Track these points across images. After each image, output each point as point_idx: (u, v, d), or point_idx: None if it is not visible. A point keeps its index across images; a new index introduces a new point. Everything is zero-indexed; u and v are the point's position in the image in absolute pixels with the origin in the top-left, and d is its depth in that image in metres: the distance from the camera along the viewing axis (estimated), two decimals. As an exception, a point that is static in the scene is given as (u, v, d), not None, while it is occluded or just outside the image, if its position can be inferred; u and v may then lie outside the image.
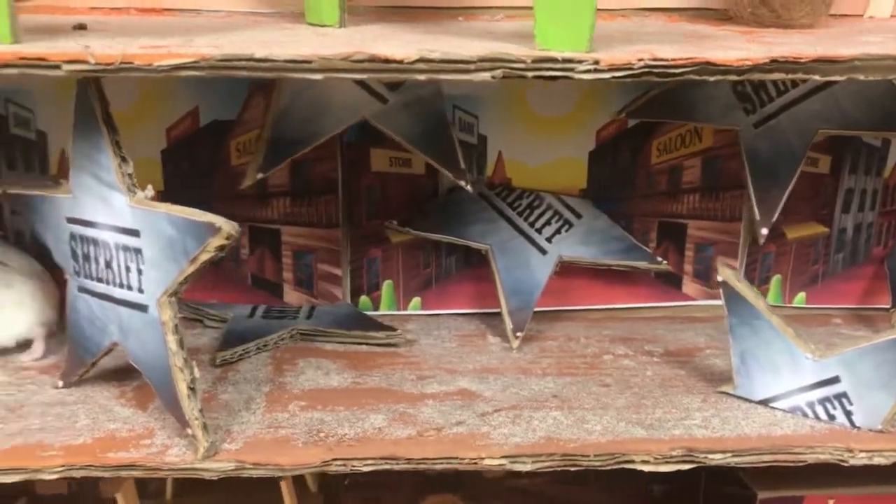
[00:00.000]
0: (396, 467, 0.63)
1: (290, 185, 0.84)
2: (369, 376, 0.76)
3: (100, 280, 0.65)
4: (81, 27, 0.65)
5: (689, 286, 0.93)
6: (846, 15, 0.87)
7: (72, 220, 0.66)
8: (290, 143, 0.75)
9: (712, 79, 0.58)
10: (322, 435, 0.66)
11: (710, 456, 0.66)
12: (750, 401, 0.73)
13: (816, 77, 0.58)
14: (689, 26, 0.77)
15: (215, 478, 0.62)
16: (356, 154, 0.85)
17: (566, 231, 0.87)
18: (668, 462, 0.66)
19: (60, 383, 0.71)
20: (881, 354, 0.67)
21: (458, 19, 0.79)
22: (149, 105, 0.82)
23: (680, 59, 0.57)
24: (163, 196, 0.81)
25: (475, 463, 0.64)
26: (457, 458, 0.64)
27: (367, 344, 0.82)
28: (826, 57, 0.58)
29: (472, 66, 0.55)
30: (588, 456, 0.65)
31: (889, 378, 0.67)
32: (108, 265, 0.64)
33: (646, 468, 0.66)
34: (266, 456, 0.63)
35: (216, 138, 0.83)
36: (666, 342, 0.85)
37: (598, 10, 0.82)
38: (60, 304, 0.79)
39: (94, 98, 0.61)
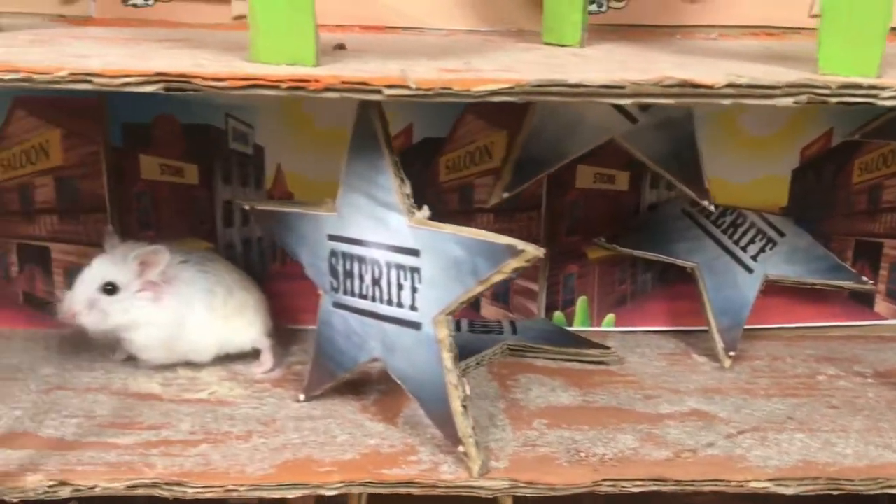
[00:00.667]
0: (664, 489, 0.63)
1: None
2: (595, 395, 0.76)
3: (363, 297, 0.66)
4: (341, 47, 0.66)
5: (881, 305, 0.93)
6: None
7: (334, 238, 0.66)
8: (537, 162, 0.75)
9: None
10: (582, 454, 0.66)
11: (978, 484, 0.65)
12: None
13: None
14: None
15: (490, 496, 0.62)
16: (559, 172, 0.85)
17: (770, 249, 0.87)
18: (930, 488, 0.65)
19: (302, 397, 0.72)
20: None
21: (675, 37, 0.80)
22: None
23: None
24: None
25: (741, 486, 0.64)
26: (723, 480, 0.64)
27: (578, 361, 0.82)
28: None
29: (778, 92, 0.55)
30: (852, 480, 0.64)
31: None
32: (376, 282, 0.64)
33: (907, 493, 0.65)
34: (537, 475, 0.63)
35: (427, 155, 0.84)
36: (871, 363, 0.85)
37: (810, 28, 0.84)
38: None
39: (377, 120, 0.62)
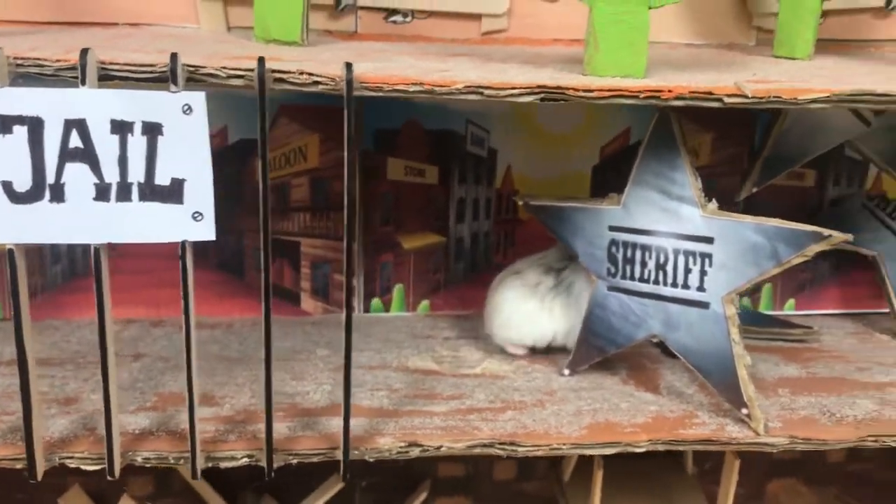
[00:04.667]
0: (917, 443, 0.73)
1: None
2: (815, 368, 0.86)
3: (644, 280, 0.75)
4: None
5: None
6: None
7: (616, 229, 0.76)
8: (783, 161, 0.85)
9: None
10: (836, 417, 0.75)
11: None
12: None
13: None
14: None
15: (775, 451, 0.72)
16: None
17: (941, 240, 0.97)
18: None
19: (567, 371, 0.81)
20: None
21: (869, 50, 0.90)
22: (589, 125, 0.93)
23: None
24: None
25: None
26: (971, 436, 0.74)
27: (783, 340, 0.92)
28: None
29: None
30: None
31: None
32: (661, 267, 0.74)
33: None
34: (810, 432, 0.72)
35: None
36: None
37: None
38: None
39: (676, 125, 0.71)
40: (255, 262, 0.92)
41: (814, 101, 0.63)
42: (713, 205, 0.71)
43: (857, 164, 0.96)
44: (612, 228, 0.76)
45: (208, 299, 0.93)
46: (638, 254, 0.75)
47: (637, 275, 0.75)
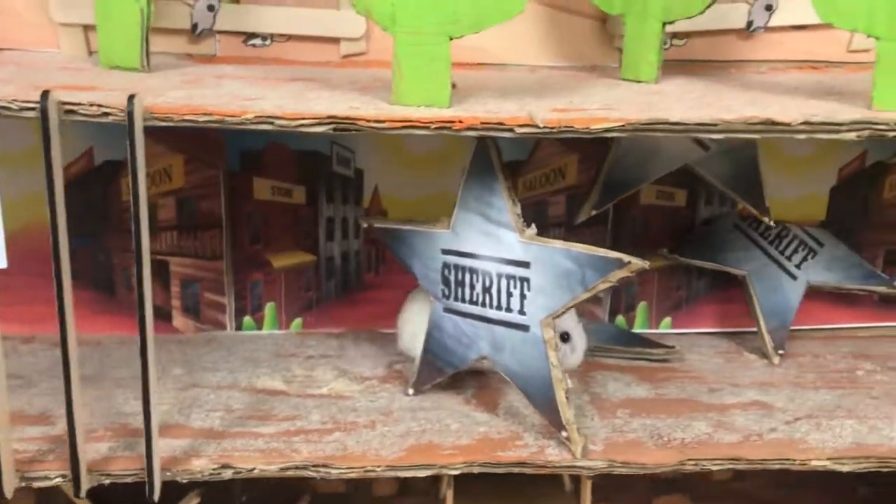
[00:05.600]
0: (739, 467, 0.73)
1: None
2: (665, 388, 0.86)
3: (474, 303, 0.76)
4: (452, 86, 0.76)
5: (910, 308, 1.04)
6: None
7: (448, 252, 0.76)
8: (622, 184, 0.85)
9: None
10: (664, 440, 0.76)
11: None
12: None
13: None
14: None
15: (590, 475, 0.72)
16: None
17: (812, 258, 0.97)
18: (968, 464, 0.76)
19: (411, 391, 0.82)
20: None
21: (730, 71, 0.90)
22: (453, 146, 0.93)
23: None
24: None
25: (804, 464, 0.74)
26: (789, 459, 0.74)
27: (645, 359, 0.92)
28: None
29: (844, 128, 0.66)
30: (899, 459, 0.75)
31: None
32: (487, 290, 0.74)
33: (950, 469, 0.75)
34: (630, 456, 0.73)
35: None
36: (902, 359, 0.96)
37: (848, 63, 0.94)
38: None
39: (493, 151, 0.72)
40: (125, 280, 0.94)
41: (607, 130, 0.64)
42: (532, 230, 0.72)
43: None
44: (443, 251, 0.77)
45: (80, 317, 0.94)
46: (467, 276, 0.76)
47: (467, 297, 0.76)
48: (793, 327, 1.00)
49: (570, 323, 0.83)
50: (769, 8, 0.89)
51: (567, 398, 0.72)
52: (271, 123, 0.63)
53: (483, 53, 0.90)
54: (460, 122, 0.63)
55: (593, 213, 0.87)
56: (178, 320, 0.96)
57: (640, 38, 0.81)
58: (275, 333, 0.97)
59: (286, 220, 0.94)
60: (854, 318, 1.03)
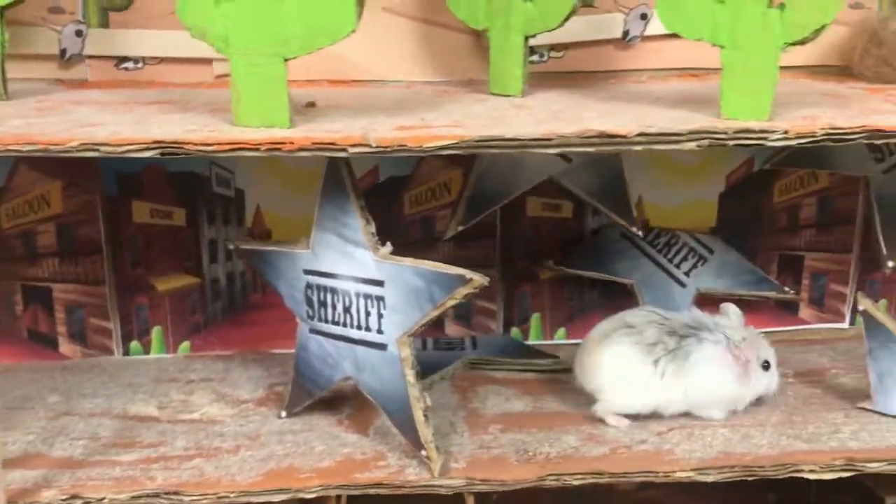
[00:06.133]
0: (601, 480, 0.73)
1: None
2: (545, 401, 0.86)
3: (336, 323, 0.75)
4: (311, 105, 0.76)
5: (805, 312, 1.03)
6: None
7: (309, 272, 0.76)
8: (486, 199, 0.85)
9: (879, 142, 0.68)
10: (529, 454, 0.75)
11: (869, 465, 0.75)
12: (887, 415, 0.82)
13: (963, 139, 0.69)
14: (819, 85, 0.87)
15: (449, 493, 0.72)
16: (512, 202, 0.95)
17: (701, 266, 0.97)
18: (832, 471, 0.75)
19: (284, 414, 0.81)
20: None
21: (609, 82, 0.90)
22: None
23: (854, 127, 0.67)
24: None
25: (668, 476, 0.73)
26: (653, 471, 0.73)
27: (532, 371, 0.92)
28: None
29: (683, 138, 0.66)
30: (763, 467, 0.74)
31: None
32: (347, 310, 0.74)
33: (812, 476, 0.75)
34: (490, 473, 0.72)
35: (392, 192, 0.94)
36: (794, 364, 0.95)
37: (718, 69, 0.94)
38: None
39: (345, 171, 0.71)
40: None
41: (442, 147, 0.64)
42: (386, 248, 0.72)
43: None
44: (305, 272, 0.76)
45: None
46: (328, 296, 0.75)
47: (329, 317, 0.76)
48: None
49: (765, 348, 0.83)
50: (644, 17, 0.89)
51: (426, 416, 0.72)
52: (97, 150, 0.62)
53: (361, 70, 0.89)
54: (291, 143, 0.63)
55: (460, 228, 0.86)
56: (66, 347, 0.95)
57: (504, 53, 0.80)
58: (162, 357, 0.96)
59: (168, 242, 0.93)
60: (753, 323, 1.03)
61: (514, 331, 1.00)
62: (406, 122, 0.69)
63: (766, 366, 0.83)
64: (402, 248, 0.93)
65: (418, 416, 0.71)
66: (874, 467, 0.75)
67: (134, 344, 0.95)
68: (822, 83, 0.88)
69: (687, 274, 0.96)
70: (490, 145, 0.64)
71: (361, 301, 0.73)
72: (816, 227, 1.00)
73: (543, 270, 0.97)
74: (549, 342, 1.00)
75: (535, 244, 0.97)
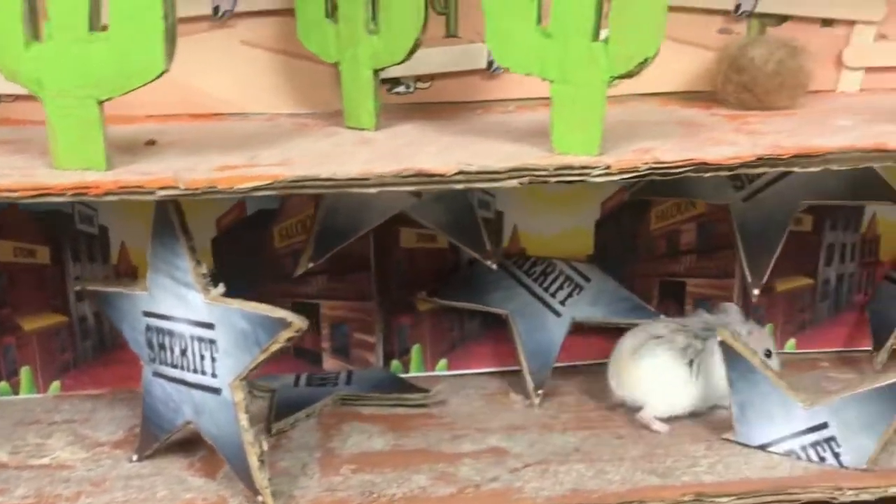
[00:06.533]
0: (443, 522, 0.72)
1: (328, 263, 0.93)
2: (408, 438, 0.85)
3: (174, 366, 0.74)
4: (152, 143, 0.75)
5: (690, 338, 1.03)
6: (819, 91, 0.98)
7: (148, 314, 0.74)
8: (336, 235, 0.84)
9: (707, 175, 0.68)
10: (374, 496, 0.74)
11: (717, 499, 0.74)
12: (750, 446, 0.82)
13: (796, 169, 0.68)
14: (682, 112, 0.87)
15: (285, 538, 0.70)
16: (386, 233, 0.94)
17: (577, 294, 0.96)
18: (680, 507, 0.74)
19: (135, 457, 0.80)
20: (864, 402, 0.76)
21: (476, 112, 0.89)
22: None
23: (679, 161, 0.66)
24: (214, 280, 0.92)
25: (512, 515, 0.72)
26: (496, 511, 0.72)
27: (403, 405, 0.91)
28: (804, 152, 0.68)
29: (503, 176, 0.65)
30: (609, 504, 0.73)
31: (871, 422, 0.76)
32: (184, 353, 0.72)
33: (660, 513, 0.74)
34: (330, 517, 0.71)
35: (261, 226, 0.92)
36: (672, 392, 0.94)
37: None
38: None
39: (174, 213, 0.70)
40: None
41: (254, 189, 0.63)
42: (217, 290, 0.70)
43: (489, 222, 0.95)
44: (144, 313, 0.75)
45: None
46: (166, 339, 0.74)
47: (168, 360, 0.74)
48: (570, 363, 1.00)
49: (769, 341, 0.88)
50: (508, 47, 0.89)
51: (261, 462, 0.70)
52: None
53: (223, 104, 0.88)
54: (97, 187, 0.62)
55: (310, 265, 0.85)
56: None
57: (355, 86, 0.80)
58: (30, 398, 0.94)
59: (33, 281, 0.91)
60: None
61: (395, 363, 0.99)
62: (235, 160, 0.68)
63: (767, 354, 0.87)
64: (274, 283, 0.93)
65: (253, 461, 0.70)
66: (723, 502, 0.74)
67: (2, 385, 0.93)
68: (687, 109, 0.88)
69: (562, 303, 0.96)
70: (305, 186, 0.63)
71: (196, 344, 0.72)
72: (696, 252, 0.99)
73: (421, 301, 0.96)
74: (431, 373, 0.99)
75: (412, 275, 0.96)
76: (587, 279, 0.97)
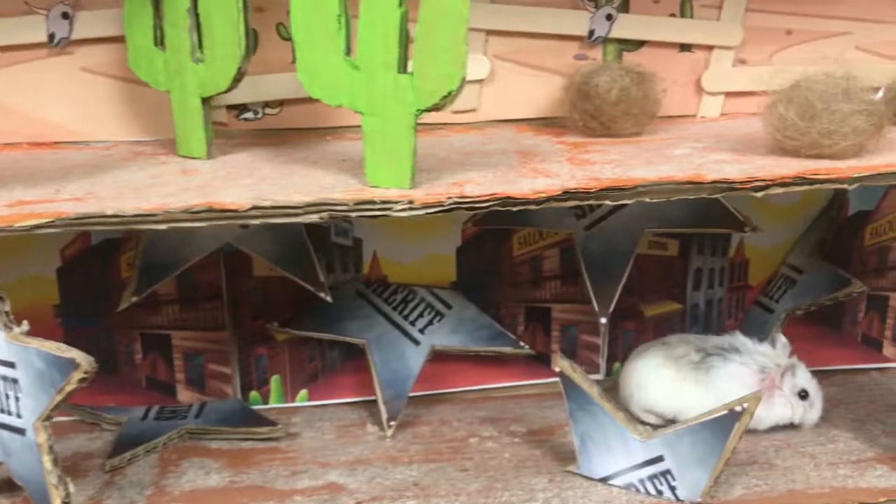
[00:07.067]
0: (257, 565, 0.70)
1: (178, 292, 0.91)
2: (246, 474, 0.82)
3: (-16, 406, 0.71)
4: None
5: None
6: (680, 116, 0.97)
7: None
8: (160, 268, 0.82)
9: (515, 209, 0.66)
10: (193, 537, 0.72)
11: (544, 536, 0.73)
12: (592, 479, 0.81)
13: (608, 202, 0.67)
14: (530, 139, 0.86)
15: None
16: (238, 261, 0.92)
17: (438, 322, 0.95)
18: (503, 544, 0.73)
19: (-34, 496, 0.77)
20: (695, 434, 0.75)
21: (325, 138, 0.88)
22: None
23: (484, 196, 0.65)
24: (61, 310, 0.89)
25: (330, 556, 0.71)
26: (312, 552, 0.70)
27: (251, 439, 0.89)
28: (614, 185, 0.67)
29: (299, 211, 0.63)
30: (432, 543, 0.72)
31: (704, 455, 0.75)
32: (-9, 393, 0.70)
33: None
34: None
35: (107, 255, 0.90)
36: (531, 421, 0.93)
37: (457, 123, 0.93)
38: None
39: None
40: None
41: (36, 226, 0.61)
42: (21, 328, 0.68)
43: (347, 250, 0.94)
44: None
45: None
46: (-24, 378, 0.72)
47: (-21, 400, 0.72)
48: (439, 391, 0.98)
49: (805, 379, 0.88)
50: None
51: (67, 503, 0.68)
52: None
53: (64, 132, 0.86)
54: None
55: (134, 299, 0.83)
56: None
57: (185, 115, 0.78)
58: None
59: None
60: (503, 378, 1.01)
61: (254, 395, 0.97)
62: (36, 194, 0.66)
63: (802, 395, 0.88)
64: (123, 313, 0.91)
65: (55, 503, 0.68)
66: (550, 538, 0.73)
67: None
68: (537, 137, 0.87)
69: (422, 331, 0.94)
70: (89, 223, 0.61)
71: (2, 383, 0.69)
72: (561, 278, 0.98)
73: (277, 332, 0.95)
74: (291, 405, 0.97)
75: (267, 305, 0.94)
76: (448, 306, 0.96)
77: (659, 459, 0.77)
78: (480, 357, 0.98)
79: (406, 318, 0.94)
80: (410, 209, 0.64)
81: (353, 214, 0.64)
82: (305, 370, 0.97)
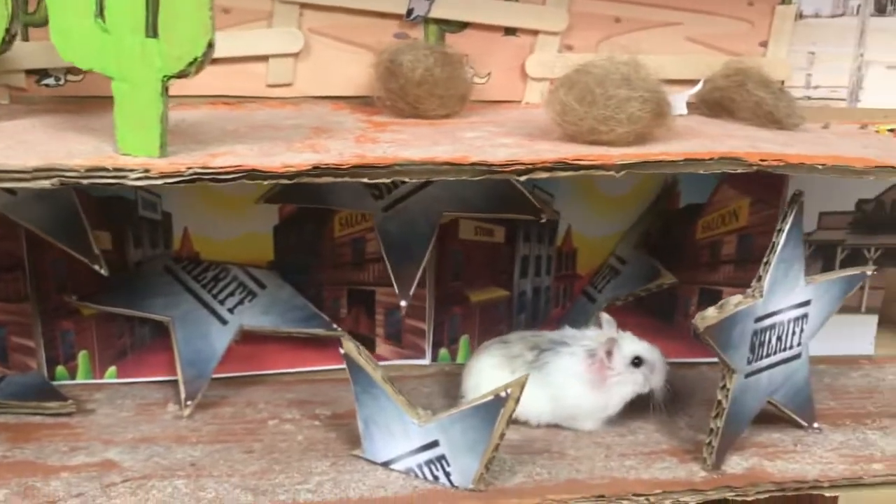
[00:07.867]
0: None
1: (-23, 263, 0.89)
2: (21, 449, 0.80)
3: None
4: None
5: (381, 347, 1.00)
6: (505, 101, 0.96)
7: None
8: None
9: (265, 182, 0.65)
10: (-65, 512, 0.70)
11: (299, 520, 0.72)
12: (375, 463, 0.79)
13: (365, 179, 0.66)
14: (338, 117, 0.85)
15: None
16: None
17: (249, 301, 0.93)
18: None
19: None
20: (466, 420, 0.74)
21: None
22: None
23: (228, 167, 0.63)
24: None
25: (75, 535, 0.69)
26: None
27: (41, 414, 0.86)
28: (368, 163, 0.66)
29: (28, 176, 0.61)
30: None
31: (475, 441, 0.74)
32: None
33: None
34: None
35: None
36: (340, 404, 0.91)
37: (273, 98, 0.91)
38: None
39: None
40: None
41: None
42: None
43: (156, 224, 0.92)
44: None
45: None
46: None
47: None
48: (253, 373, 0.96)
49: (634, 346, 0.86)
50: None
51: None
52: None
53: None
54: None
55: None
56: None
57: None
58: None
59: None
60: (323, 361, 0.98)
61: (60, 370, 0.94)
62: None
63: (636, 362, 0.86)
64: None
65: None
66: (306, 522, 0.72)
67: None
68: (345, 115, 0.86)
69: (231, 310, 0.92)
70: None
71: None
72: (383, 261, 0.97)
73: (87, 306, 0.92)
74: (98, 381, 0.95)
75: (72, 278, 0.91)
76: (262, 286, 0.94)
77: (434, 444, 0.76)
78: (299, 339, 0.96)
79: (215, 296, 0.92)
80: (147, 178, 0.62)
81: (85, 182, 0.62)
82: (114, 346, 0.94)
